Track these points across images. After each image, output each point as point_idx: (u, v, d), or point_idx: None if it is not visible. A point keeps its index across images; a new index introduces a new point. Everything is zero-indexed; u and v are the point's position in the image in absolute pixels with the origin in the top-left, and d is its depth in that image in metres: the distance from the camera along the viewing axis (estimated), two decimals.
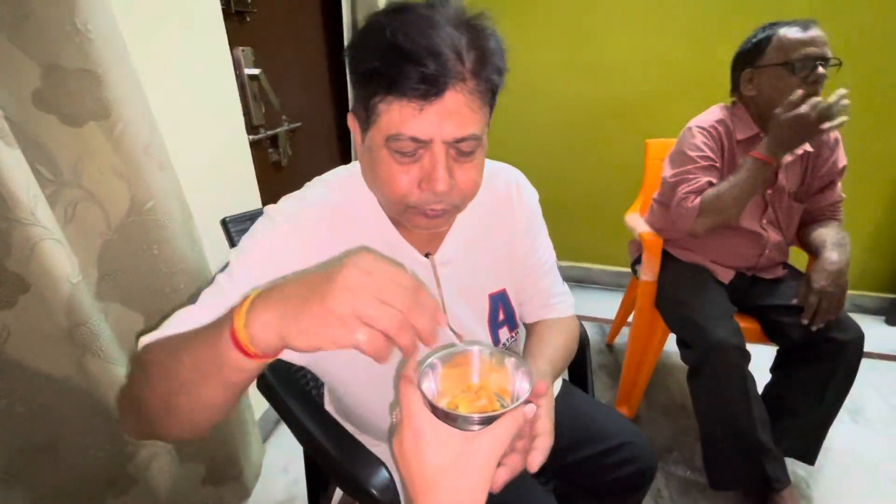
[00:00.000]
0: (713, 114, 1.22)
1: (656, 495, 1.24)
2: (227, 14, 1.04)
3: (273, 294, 0.36)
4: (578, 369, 0.95)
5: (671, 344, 1.30)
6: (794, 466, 1.26)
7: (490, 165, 0.67)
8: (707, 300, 1.19)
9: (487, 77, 0.48)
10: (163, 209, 0.76)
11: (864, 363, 1.25)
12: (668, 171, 1.24)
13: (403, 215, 0.54)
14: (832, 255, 1.09)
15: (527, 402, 0.40)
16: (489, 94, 0.50)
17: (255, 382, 0.78)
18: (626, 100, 1.96)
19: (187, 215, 0.83)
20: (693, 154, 1.18)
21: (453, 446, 0.37)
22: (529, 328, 0.76)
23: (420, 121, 0.46)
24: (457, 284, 0.63)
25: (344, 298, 0.32)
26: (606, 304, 2.10)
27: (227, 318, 0.37)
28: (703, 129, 1.19)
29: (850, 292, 2.04)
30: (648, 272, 1.32)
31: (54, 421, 0.67)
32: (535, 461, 0.45)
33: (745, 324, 1.25)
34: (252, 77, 1.13)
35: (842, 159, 1.19)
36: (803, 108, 0.98)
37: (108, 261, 0.74)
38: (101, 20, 0.62)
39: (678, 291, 1.25)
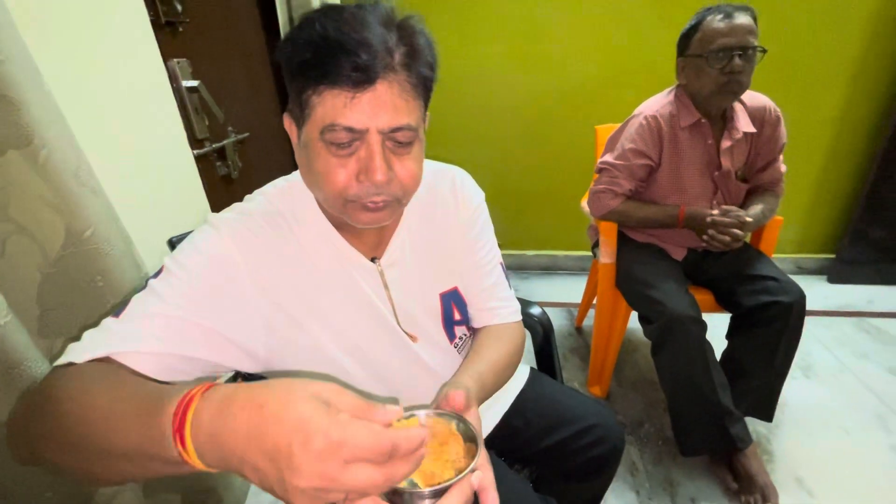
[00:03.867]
0: (663, 99, 1.27)
1: (631, 468, 1.29)
2: (158, 25, 0.99)
3: (221, 432, 0.31)
4: (545, 357, 0.97)
5: (635, 322, 1.35)
6: (754, 425, 1.34)
7: (433, 166, 0.69)
8: (663, 277, 1.24)
9: (418, 71, 0.49)
10: (103, 237, 0.72)
11: (810, 321, 1.34)
12: (603, 155, 1.33)
13: (345, 212, 0.53)
14: (741, 211, 1.17)
15: (474, 469, 0.40)
16: (422, 88, 0.51)
17: None
18: (575, 88, 2.00)
19: (127, 240, 0.79)
20: (629, 146, 1.25)
21: None
22: (473, 335, 0.73)
23: (353, 110, 0.46)
24: (406, 286, 0.64)
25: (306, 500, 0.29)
26: (574, 289, 2.16)
27: (167, 415, 0.33)
28: (646, 118, 1.24)
29: (794, 255, 2.21)
30: (606, 255, 1.37)
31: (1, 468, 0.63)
32: None
33: (700, 295, 1.31)
34: (191, 89, 1.08)
35: (783, 136, 1.26)
36: (720, 222, 1.15)
37: (49, 296, 0.70)
38: (8, 41, 0.58)
39: (636, 271, 1.30)
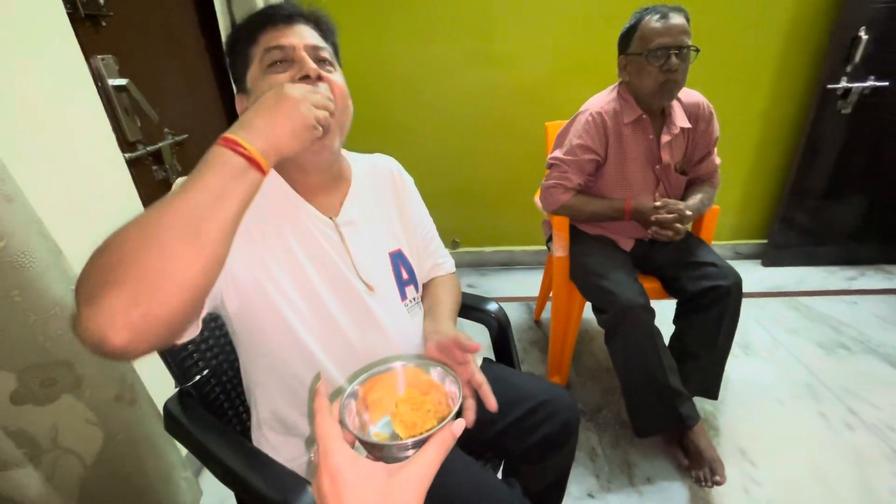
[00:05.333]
0: (607, 96, 1.31)
1: (591, 453, 1.33)
2: (76, 19, 0.92)
3: (249, 125, 0.47)
4: (504, 350, 0.98)
5: (590, 312, 1.40)
6: (701, 403, 1.42)
7: (369, 155, 0.81)
8: (613, 268, 1.28)
9: (325, 29, 0.67)
10: (18, 248, 0.66)
11: (747, 302, 1.43)
12: (552, 152, 1.36)
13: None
14: (681, 204, 1.24)
15: (457, 415, 0.40)
16: (331, 44, 0.67)
17: (164, 423, 0.72)
18: (526, 86, 2.04)
19: (54, 251, 0.73)
20: (576, 142, 1.29)
21: (376, 484, 0.33)
22: (424, 287, 0.85)
23: (283, 35, 0.62)
24: (361, 243, 0.71)
25: (294, 95, 0.50)
26: (532, 283, 2.20)
27: (220, 154, 0.44)
28: (591, 115, 1.28)
29: (731, 241, 2.36)
30: (560, 248, 1.40)
31: None
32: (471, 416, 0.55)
33: (648, 283, 1.37)
34: (119, 88, 1.01)
35: (716, 130, 1.34)
36: (663, 214, 1.21)
37: None
38: None
39: (588, 263, 1.34)
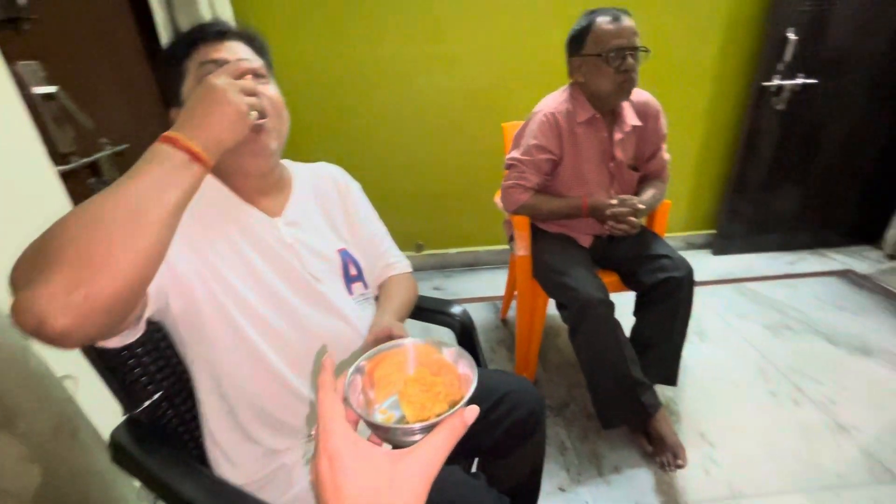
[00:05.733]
0: (559, 97, 1.34)
1: (560, 447, 1.35)
2: None
3: (186, 123, 0.48)
4: (469, 351, 0.97)
5: (555, 308, 1.42)
6: (662, 390, 1.48)
7: (312, 164, 0.83)
8: (574, 264, 1.31)
9: (258, 47, 0.69)
10: None
11: (701, 290, 1.50)
12: (510, 152, 1.38)
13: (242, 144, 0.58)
14: (635, 199, 1.27)
15: (470, 401, 0.36)
16: (266, 64, 0.69)
17: (111, 454, 0.67)
18: (482, 87, 2.06)
19: None
20: (532, 142, 1.31)
21: (377, 470, 0.31)
22: (380, 287, 0.87)
23: (217, 50, 0.64)
24: (306, 242, 0.72)
25: (220, 84, 0.50)
26: (497, 283, 2.22)
27: (161, 151, 0.46)
28: (546, 115, 1.30)
29: (683, 233, 2.47)
30: (521, 248, 1.42)
31: None
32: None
33: (607, 278, 1.41)
34: (47, 96, 0.94)
35: (664, 127, 1.39)
36: (616, 209, 1.24)
37: None
38: None
39: (549, 260, 1.36)
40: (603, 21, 1.20)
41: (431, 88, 2.04)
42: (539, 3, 1.93)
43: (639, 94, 1.36)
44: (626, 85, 1.22)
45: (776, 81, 2.02)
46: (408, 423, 0.37)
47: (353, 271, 0.78)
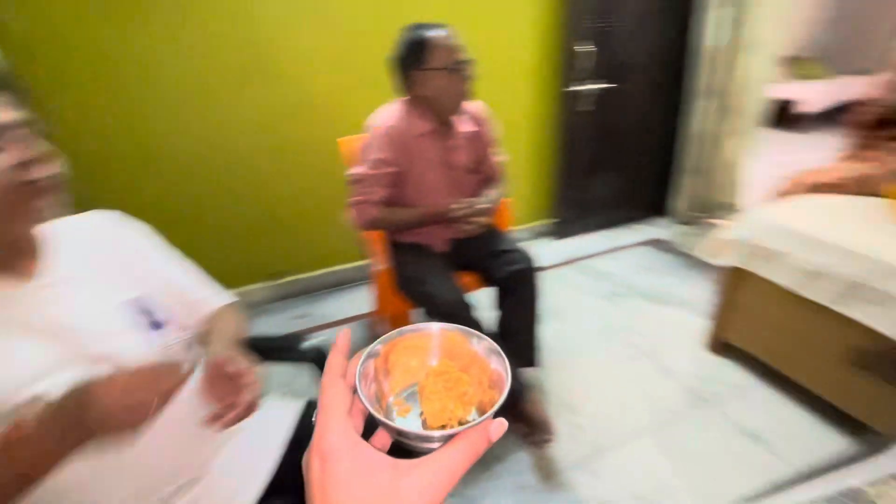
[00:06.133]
0: (394, 111, 1.35)
1: None
2: None
3: None
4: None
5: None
6: (530, 372, 1.60)
7: (77, 216, 0.73)
8: (431, 271, 1.34)
9: (19, 94, 0.57)
10: None
11: (552, 273, 1.64)
12: (354, 168, 1.36)
13: (15, 209, 0.53)
14: (478, 200, 1.37)
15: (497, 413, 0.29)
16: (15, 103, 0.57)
17: None
18: (312, 102, 1.98)
19: None
20: (375, 156, 1.31)
21: (376, 482, 0.26)
22: (204, 325, 0.81)
23: None
24: (79, 301, 0.63)
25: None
26: (366, 299, 2.17)
27: None
28: (387, 129, 1.31)
29: (530, 224, 2.73)
30: (379, 261, 1.41)
31: None
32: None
33: (467, 278, 1.48)
34: None
35: (495, 131, 1.50)
36: (459, 212, 1.30)
37: None
38: None
39: (408, 271, 1.37)
40: (440, 36, 1.23)
41: (254, 104, 1.90)
42: (362, 16, 1.93)
43: (470, 102, 1.45)
44: (467, 95, 1.29)
45: (579, 87, 2.36)
46: (426, 423, 0.32)
47: (150, 319, 0.70)
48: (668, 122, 2.75)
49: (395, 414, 0.33)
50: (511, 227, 2.40)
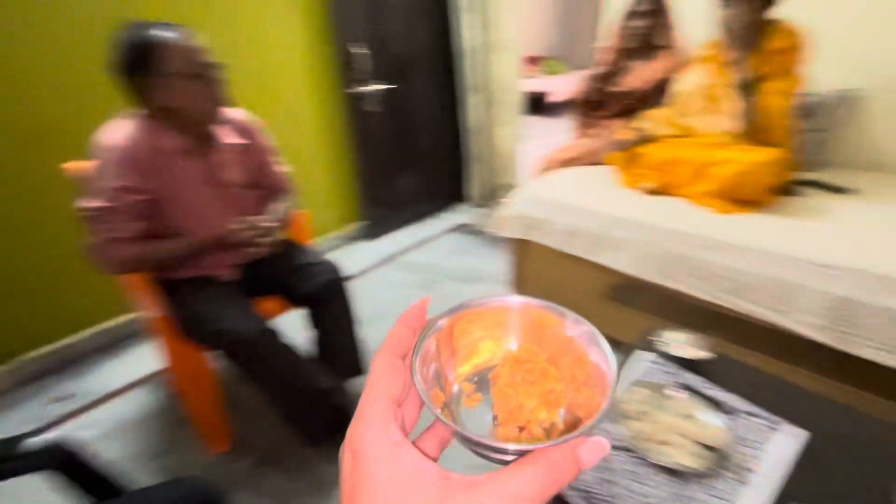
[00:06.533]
0: (126, 128, 1.10)
1: (281, 492, 1.23)
2: None
3: None
4: (91, 482, 0.71)
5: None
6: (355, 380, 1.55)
7: None
8: (219, 305, 1.17)
9: None
10: None
11: (369, 275, 1.60)
12: (85, 200, 1.08)
13: None
14: (260, 218, 1.24)
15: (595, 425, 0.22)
16: None
17: None
18: (28, 121, 1.53)
19: None
20: (114, 185, 1.07)
21: (416, 497, 0.20)
22: None
23: None
24: None
25: None
26: (151, 354, 1.79)
27: None
28: (123, 151, 1.07)
29: (341, 230, 2.66)
30: (151, 308, 1.16)
31: None
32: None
33: (270, 303, 1.34)
34: None
35: (269, 140, 1.37)
36: (243, 233, 1.16)
37: None
38: None
39: (189, 310, 1.16)
40: (170, 38, 1.04)
41: None
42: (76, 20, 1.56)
43: (233, 111, 1.29)
44: (219, 103, 1.13)
45: (361, 88, 2.38)
46: (496, 421, 0.25)
47: None
48: (450, 116, 3.00)
49: (462, 404, 0.27)
50: (314, 238, 2.30)
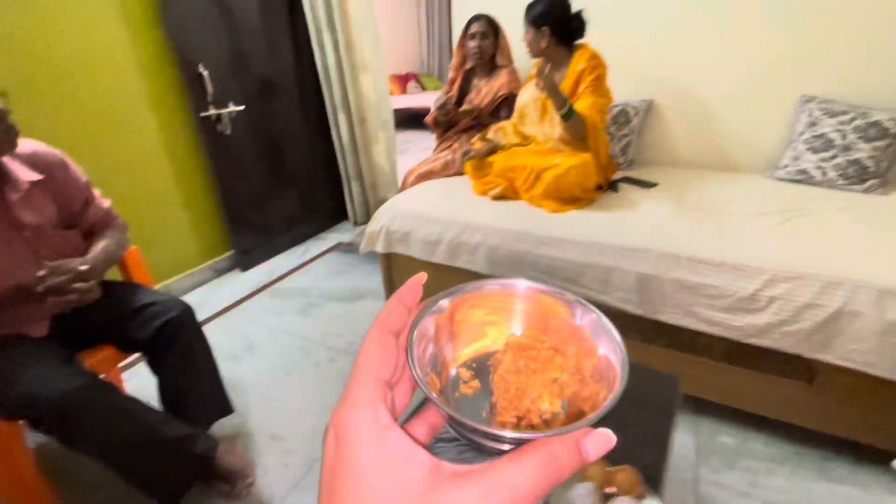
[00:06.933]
0: None
1: None
2: None
3: None
4: None
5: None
6: (228, 420, 1.45)
7: None
8: (28, 366, 1.02)
9: None
10: None
11: (242, 307, 1.50)
12: None
13: None
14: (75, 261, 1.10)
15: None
16: None
17: None
18: None
19: None
20: None
21: (404, 484, 0.18)
22: None
23: None
24: None
25: None
26: None
27: None
28: None
29: (208, 262, 2.47)
30: None
31: None
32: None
33: (99, 354, 1.20)
34: None
35: (80, 175, 1.23)
36: (49, 282, 1.02)
37: None
38: None
39: None
40: None
41: None
42: None
43: (25, 144, 1.14)
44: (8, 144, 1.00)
45: (211, 111, 2.25)
46: (495, 408, 0.24)
47: None
48: (324, 136, 2.96)
49: (458, 391, 0.25)
50: (177, 275, 2.13)
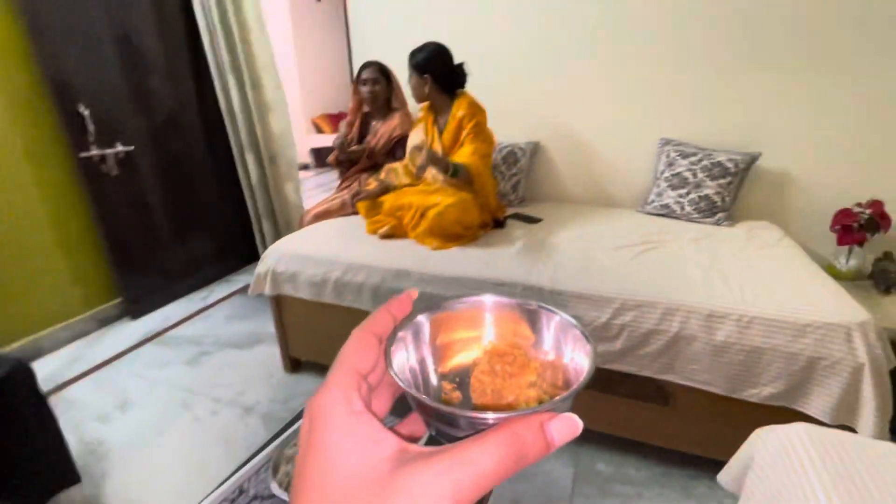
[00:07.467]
0: None
1: None
2: None
3: None
4: None
5: None
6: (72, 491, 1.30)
7: None
8: None
9: None
10: None
11: (123, 360, 1.37)
12: None
13: None
14: None
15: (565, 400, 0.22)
16: None
17: None
18: None
19: None
20: None
21: (372, 463, 0.18)
22: None
23: None
24: None
25: None
26: None
27: None
28: None
29: (92, 311, 2.27)
30: None
31: None
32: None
33: None
34: None
35: None
36: None
37: None
38: None
39: None
40: None
41: None
42: None
43: None
44: None
45: (95, 151, 2.13)
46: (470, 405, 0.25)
47: None
48: (232, 176, 2.88)
49: (440, 400, 0.25)
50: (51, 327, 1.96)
